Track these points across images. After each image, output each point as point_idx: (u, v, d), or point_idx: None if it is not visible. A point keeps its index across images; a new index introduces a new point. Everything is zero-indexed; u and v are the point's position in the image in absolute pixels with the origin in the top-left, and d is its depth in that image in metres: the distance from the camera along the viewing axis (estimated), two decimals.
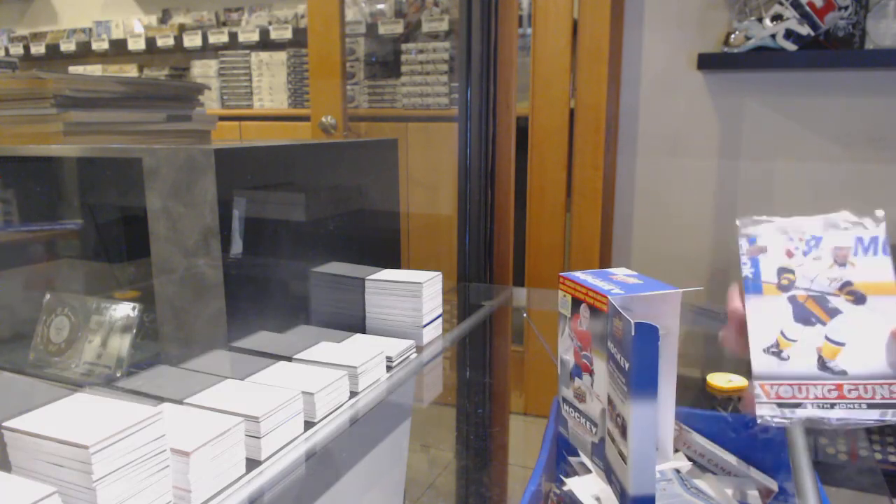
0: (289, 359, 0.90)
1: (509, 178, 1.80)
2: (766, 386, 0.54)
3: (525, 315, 1.57)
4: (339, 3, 2.23)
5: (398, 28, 2.67)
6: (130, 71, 3.41)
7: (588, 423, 0.67)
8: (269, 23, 3.05)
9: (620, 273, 0.68)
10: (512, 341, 1.38)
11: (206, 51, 3.17)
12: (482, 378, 1.17)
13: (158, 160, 0.87)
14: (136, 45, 3.28)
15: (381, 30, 2.69)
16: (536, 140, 2.05)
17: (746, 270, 0.57)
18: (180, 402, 0.74)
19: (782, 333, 0.55)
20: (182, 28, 3.21)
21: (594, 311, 0.63)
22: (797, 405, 0.53)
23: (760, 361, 0.54)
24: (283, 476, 0.71)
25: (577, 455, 0.72)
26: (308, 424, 0.80)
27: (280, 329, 0.98)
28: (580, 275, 0.68)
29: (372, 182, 1.23)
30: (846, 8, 1.85)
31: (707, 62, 2.00)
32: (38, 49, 3.51)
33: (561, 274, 0.70)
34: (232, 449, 0.68)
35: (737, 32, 1.93)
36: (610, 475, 0.61)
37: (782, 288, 0.56)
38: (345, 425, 0.82)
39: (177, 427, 0.66)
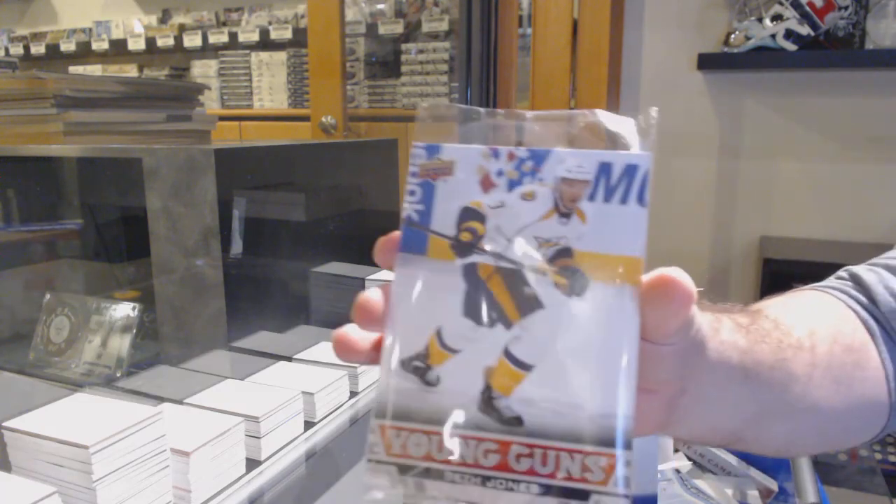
0: (289, 359, 0.90)
1: None
2: (388, 430, 0.29)
3: None
4: (339, 3, 2.23)
5: (398, 28, 2.67)
6: (130, 71, 3.41)
7: None
8: (269, 23, 3.05)
9: None
10: None
11: (206, 51, 3.17)
12: None
13: (158, 160, 0.87)
14: (136, 45, 3.28)
15: (381, 30, 2.69)
16: None
17: (410, 207, 0.32)
18: (180, 402, 0.74)
19: (439, 336, 0.30)
20: (182, 28, 3.21)
21: None
22: (426, 472, 0.28)
23: (395, 383, 0.29)
24: (283, 476, 0.71)
25: None
26: (308, 424, 0.80)
27: (280, 329, 0.98)
28: None
29: (372, 182, 1.23)
30: (846, 8, 1.86)
31: (707, 62, 2.00)
32: (38, 49, 3.51)
33: None
34: (232, 449, 0.68)
35: (737, 32, 1.93)
36: None
37: (459, 249, 0.31)
38: (345, 425, 0.82)
39: (177, 427, 0.66)
